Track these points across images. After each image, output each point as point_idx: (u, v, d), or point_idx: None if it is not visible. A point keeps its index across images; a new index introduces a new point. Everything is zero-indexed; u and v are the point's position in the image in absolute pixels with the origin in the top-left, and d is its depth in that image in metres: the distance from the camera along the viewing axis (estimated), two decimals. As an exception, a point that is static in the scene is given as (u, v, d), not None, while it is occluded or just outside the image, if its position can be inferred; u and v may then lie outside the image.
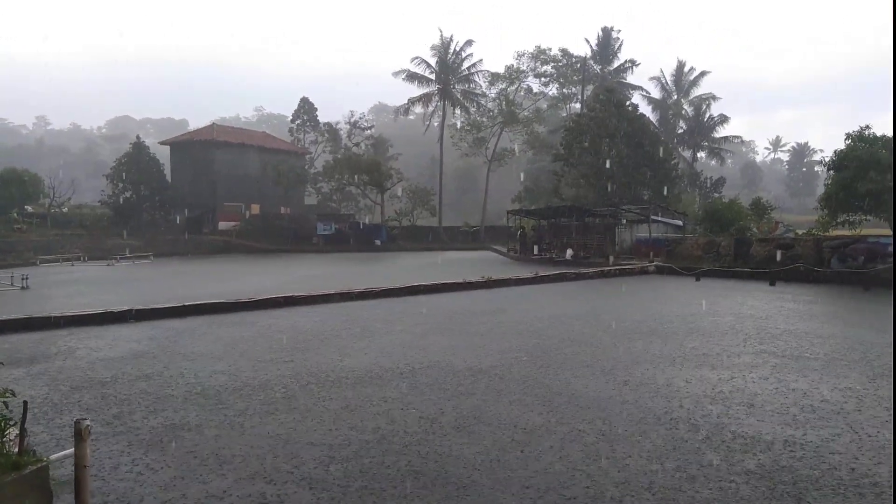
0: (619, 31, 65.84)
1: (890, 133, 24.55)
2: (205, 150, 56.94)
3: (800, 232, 30.77)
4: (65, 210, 53.60)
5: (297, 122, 70.27)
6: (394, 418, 6.03)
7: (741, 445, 5.21)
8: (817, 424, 5.75)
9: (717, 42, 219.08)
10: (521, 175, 61.83)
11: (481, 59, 61.71)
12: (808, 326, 11.56)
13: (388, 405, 6.48)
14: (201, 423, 5.94)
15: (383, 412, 6.25)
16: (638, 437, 5.44)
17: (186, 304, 13.67)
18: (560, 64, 62.73)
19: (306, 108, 69.76)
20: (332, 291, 16.07)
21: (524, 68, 62.37)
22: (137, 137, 56.47)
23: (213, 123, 65.75)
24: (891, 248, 21.32)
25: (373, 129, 70.64)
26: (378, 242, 51.87)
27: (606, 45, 61.55)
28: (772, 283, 19.90)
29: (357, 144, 64.41)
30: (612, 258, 29.24)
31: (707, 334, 10.61)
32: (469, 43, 60.51)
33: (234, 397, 6.84)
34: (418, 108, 66.20)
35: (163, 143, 63.96)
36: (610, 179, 40.52)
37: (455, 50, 60.62)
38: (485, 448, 5.19)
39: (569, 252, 32.49)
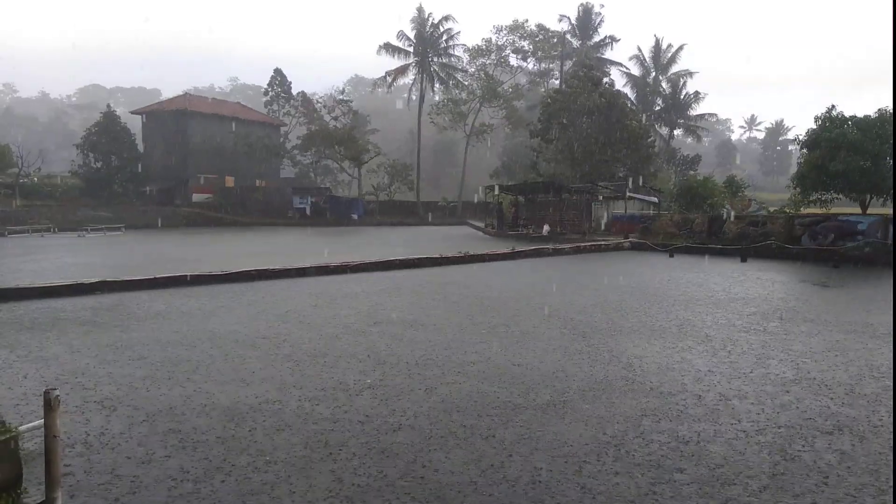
0: (602, 6, 64.99)
1: (859, 114, 24.85)
2: (178, 120, 55.82)
3: (772, 210, 31.24)
4: (34, 180, 52.37)
5: (270, 94, 69.08)
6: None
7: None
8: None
9: (701, 21, 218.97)
10: (501, 150, 61.59)
11: (459, 32, 61.13)
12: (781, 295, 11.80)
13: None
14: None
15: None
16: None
17: (157, 276, 13.54)
18: (537, 39, 62.38)
19: (280, 80, 68.54)
20: (308, 265, 15.99)
21: (502, 42, 61.96)
22: (108, 106, 55.13)
23: (186, 93, 64.50)
24: (860, 227, 21.77)
25: (350, 102, 69.47)
26: (355, 217, 51.56)
27: (587, 20, 61.21)
28: (743, 260, 20.22)
29: (335, 118, 63.51)
30: (587, 234, 29.44)
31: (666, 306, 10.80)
32: (447, 18, 59.81)
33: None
34: (397, 82, 65.52)
35: (134, 112, 62.40)
36: (587, 156, 40.61)
37: (433, 23, 59.87)
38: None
39: (545, 228, 32.61)
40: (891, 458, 4.57)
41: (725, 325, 9.42)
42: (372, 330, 8.94)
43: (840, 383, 6.38)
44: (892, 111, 23.39)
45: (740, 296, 12.51)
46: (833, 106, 25.08)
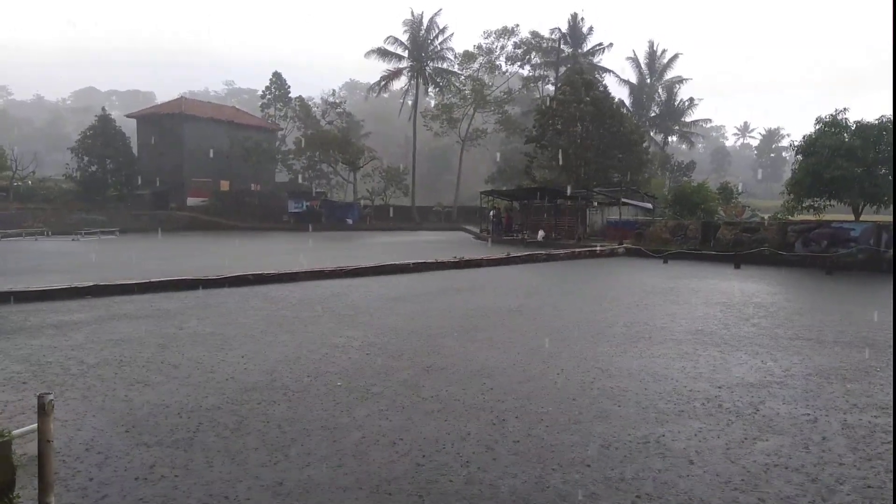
0: (583, 12, 64.54)
1: (859, 119, 24.86)
2: (173, 123, 55.78)
3: (765, 216, 31.35)
4: (28, 183, 52.23)
5: (267, 97, 69.00)
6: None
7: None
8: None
9: (696, 28, 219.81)
10: (497, 155, 61.31)
11: (453, 34, 60.91)
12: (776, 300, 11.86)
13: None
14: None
15: (352, 389, 6.26)
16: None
17: (152, 280, 13.53)
18: (531, 43, 62.15)
19: (278, 84, 68.43)
20: (301, 270, 15.99)
21: (493, 47, 61.53)
22: (103, 109, 55.02)
23: (182, 96, 64.36)
24: (853, 234, 21.88)
25: (345, 106, 69.20)
26: (350, 221, 51.58)
27: (576, 31, 61.10)
28: (737, 266, 20.30)
29: (331, 122, 63.44)
30: (582, 240, 29.50)
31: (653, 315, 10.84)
32: (438, 13, 59.61)
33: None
34: (392, 86, 65.40)
35: (129, 115, 62.34)
36: (581, 162, 40.67)
37: (426, 26, 59.61)
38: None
39: (540, 233, 32.69)
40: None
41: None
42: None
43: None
44: (892, 117, 23.41)
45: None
46: (845, 109, 25.03)
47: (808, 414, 5.63)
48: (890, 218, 25.15)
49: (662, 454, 4.70)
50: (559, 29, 60.43)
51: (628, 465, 4.51)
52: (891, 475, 4.39)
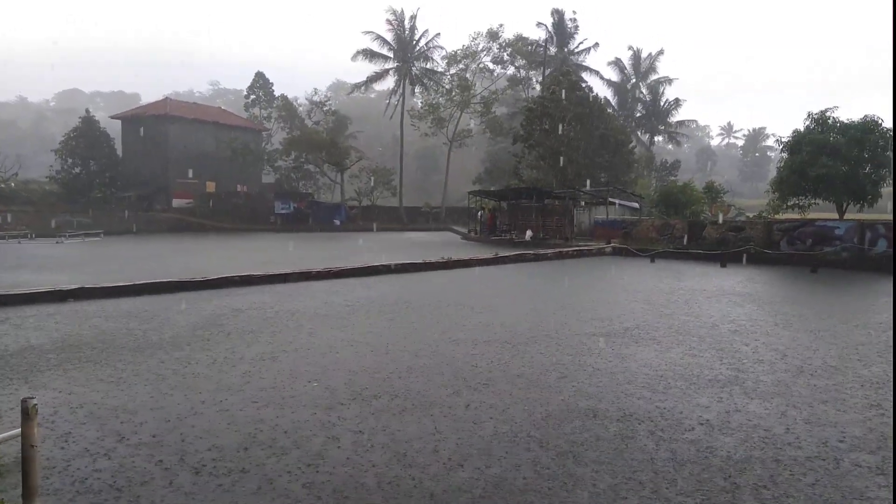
0: (575, 12, 64.27)
1: (846, 119, 25.07)
2: (158, 124, 55.33)
3: (750, 215, 31.59)
4: (12, 185, 51.64)
5: (251, 98, 68.61)
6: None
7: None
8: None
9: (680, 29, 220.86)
10: (485, 155, 61.07)
11: (439, 34, 60.85)
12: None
13: (345, 384, 6.46)
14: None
15: (341, 391, 6.23)
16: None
17: (137, 283, 13.42)
18: (517, 45, 62.12)
19: (262, 83, 68.06)
20: (291, 271, 15.92)
21: (480, 48, 61.36)
22: (87, 111, 54.57)
23: (167, 97, 63.90)
24: (837, 232, 22.09)
25: (331, 106, 68.75)
26: (337, 222, 51.41)
27: (562, 28, 61.12)
28: (723, 265, 20.42)
29: (317, 123, 63.11)
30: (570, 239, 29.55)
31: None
32: (418, 12, 59.50)
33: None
34: (379, 86, 65.10)
35: (114, 117, 61.74)
36: (568, 161, 40.80)
37: (410, 26, 59.39)
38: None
39: (528, 233, 32.73)
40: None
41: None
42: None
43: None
44: (892, 117, 23.67)
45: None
46: (836, 107, 25.25)
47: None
48: (873, 216, 25.46)
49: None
50: (546, 26, 60.41)
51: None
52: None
